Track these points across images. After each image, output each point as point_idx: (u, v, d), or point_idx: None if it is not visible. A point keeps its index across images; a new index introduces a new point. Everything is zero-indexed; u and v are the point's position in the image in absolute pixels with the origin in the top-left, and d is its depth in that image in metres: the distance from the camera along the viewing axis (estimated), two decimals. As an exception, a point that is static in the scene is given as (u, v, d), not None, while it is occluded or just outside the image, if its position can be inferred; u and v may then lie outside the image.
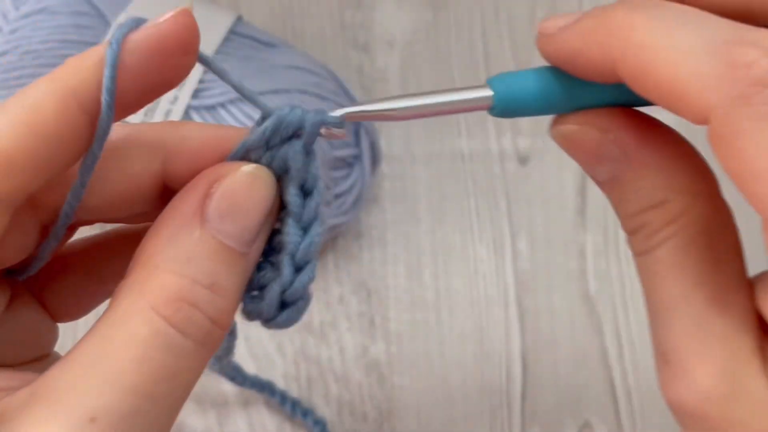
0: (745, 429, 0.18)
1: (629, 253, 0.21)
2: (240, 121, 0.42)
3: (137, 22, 0.19)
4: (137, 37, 0.18)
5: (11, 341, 0.21)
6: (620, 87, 0.19)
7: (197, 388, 0.28)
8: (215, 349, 0.19)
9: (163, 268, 0.18)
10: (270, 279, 0.21)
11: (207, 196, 0.19)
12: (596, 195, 0.40)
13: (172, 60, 0.19)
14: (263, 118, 0.21)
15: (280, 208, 0.21)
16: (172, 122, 0.22)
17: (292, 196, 0.21)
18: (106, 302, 0.20)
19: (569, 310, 0.49)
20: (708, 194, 0.20)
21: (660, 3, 0.19)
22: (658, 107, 0.19)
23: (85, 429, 0.17)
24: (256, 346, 0.47)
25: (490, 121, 0.52)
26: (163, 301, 0.18)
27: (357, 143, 0.46)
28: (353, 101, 0.47)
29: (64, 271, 0.23)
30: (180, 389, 0.18)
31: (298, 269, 0.21)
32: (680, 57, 0.17)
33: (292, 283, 0.21)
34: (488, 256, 0.50)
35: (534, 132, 0.52)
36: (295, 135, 0.20)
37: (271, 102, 0.22)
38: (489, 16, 0.55)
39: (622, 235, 0.39)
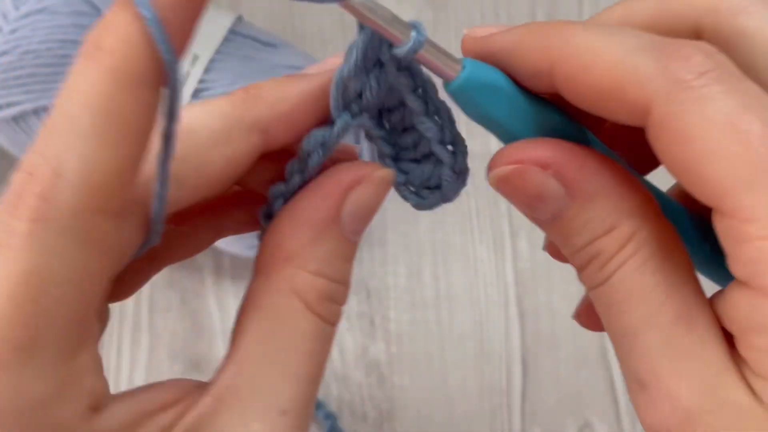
0: None
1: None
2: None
3: None
4: None
5: None
6: (551, 114, 0.20)
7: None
8: None
9: (309, 269, 0.21)
10: (430, 172, 0.23)
11: (343, 202, 0.21)
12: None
13: None
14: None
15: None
16: (251, 91, 0.21)
17: (411, 101, 0.22)
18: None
19: (569, 310, 0.49)
20: (653, 215, 0.19)
21: (594, 20, 0.21)
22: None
23: (279, 422, 0.19)
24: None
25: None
26: (315, 301, 0.20)
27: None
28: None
29: None
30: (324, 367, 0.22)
31: (451, 148, 0.23)
32: (619, 55, 0.17)
33: (455, 159, 0.23)
34: (488, 256, 0.50)
35: (534, 132, 0.52)
36: (379, 62, 0.22)
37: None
38: (489, 16, 0.55)
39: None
